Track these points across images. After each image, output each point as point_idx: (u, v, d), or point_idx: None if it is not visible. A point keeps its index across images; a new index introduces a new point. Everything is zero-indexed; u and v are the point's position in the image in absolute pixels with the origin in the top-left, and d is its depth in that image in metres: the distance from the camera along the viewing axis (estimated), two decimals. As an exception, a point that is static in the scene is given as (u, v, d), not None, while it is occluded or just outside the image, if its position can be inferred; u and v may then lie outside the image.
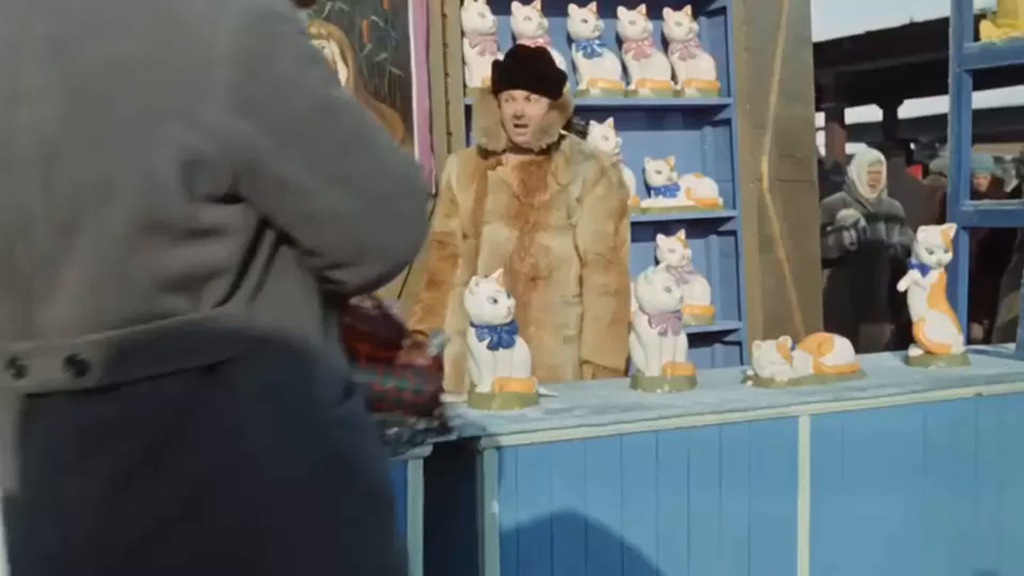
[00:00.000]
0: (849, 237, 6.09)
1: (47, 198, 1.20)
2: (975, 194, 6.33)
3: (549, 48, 4.10)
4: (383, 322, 1.48)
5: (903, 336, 4.30)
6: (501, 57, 3.63)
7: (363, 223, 1.27)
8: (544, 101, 3.32)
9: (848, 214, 6.15)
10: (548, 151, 3.36)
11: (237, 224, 1.22)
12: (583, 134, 3.47)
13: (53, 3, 1.23)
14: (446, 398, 1.64)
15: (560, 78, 3.41)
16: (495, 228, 3.36)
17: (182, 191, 1.19)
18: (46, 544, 1.26)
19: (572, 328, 3.38)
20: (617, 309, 3.36)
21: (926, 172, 8.73)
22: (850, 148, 17.02)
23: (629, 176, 4.34)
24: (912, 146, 12.43)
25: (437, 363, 1.61)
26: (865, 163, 6.35)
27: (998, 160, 8.16)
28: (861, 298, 6.11)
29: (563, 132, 3.40)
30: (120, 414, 1.22)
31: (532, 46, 3.80)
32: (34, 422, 1.25)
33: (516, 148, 3.36)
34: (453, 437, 2.25)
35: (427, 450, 2.57)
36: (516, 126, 3.32)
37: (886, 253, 6.14)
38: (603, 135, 4.32)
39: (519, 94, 3.32)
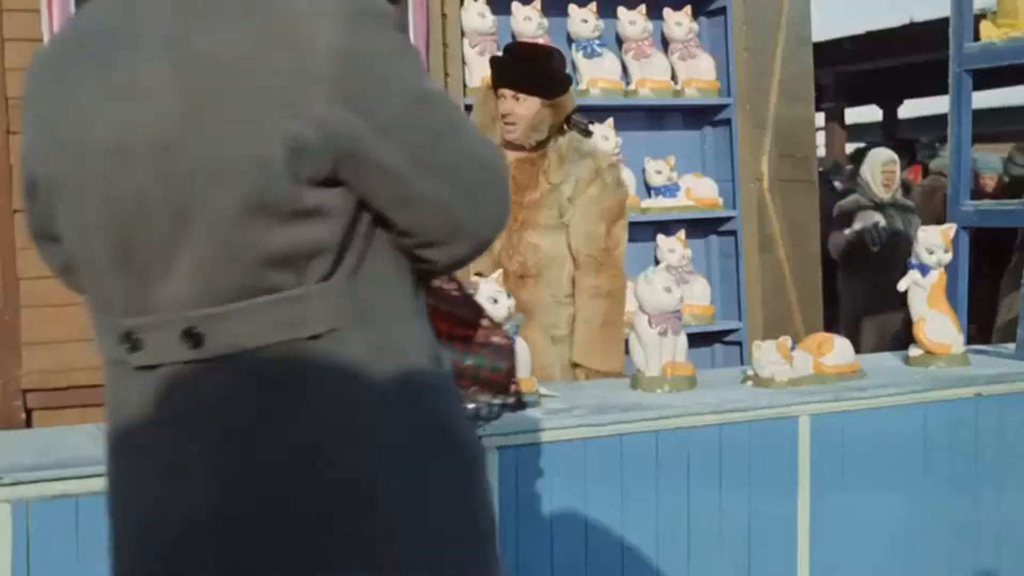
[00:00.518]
0: (871, 239, 6.08)
1: (163, 185, 1.28)
2: (982, 194, 6.34)
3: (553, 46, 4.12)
4: (463, 303, 1.55)
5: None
6: (500, 54, 3.62)
7: (454, 206, 1.37)
8: (534, 100, 3.30)
9: (867, 215, 6.13)
10: (542, 149, 3.35)
11: (338, 206, 1.31)
12: (587, 132, 3.44)
13: (167, 2, 1.31)
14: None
15: (555, 78, 3.37)
16: None
17: (288, 176, 1.27)
18: (161, 510, 1.33)
19: (563, 328, 3.36)
20: (608, 311, 3.35)
21: (926, 172, 8.72)
22: (850, 148, 17.02)
23: (629, 176, 4.34)
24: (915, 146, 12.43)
25: (511, 343, 1.70)
26: (879, 163, 6.32)
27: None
28: (883, 296, 6.10)
29: (566, 128, 3.38)
30: (233, 383, 1.30)
31: (533, 44, 3.78)
32: (147, 392, 1.33)
33: (510, 145, 3.34)
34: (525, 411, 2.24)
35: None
36: (505, 124, 3.32)
37: (906, 250, 6.14)
38: (603, 135, 4.32)
39: (508, 92, 3.31)
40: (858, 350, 3.65)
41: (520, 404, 1.74)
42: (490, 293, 2.78)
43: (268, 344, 1.29)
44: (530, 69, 3.36)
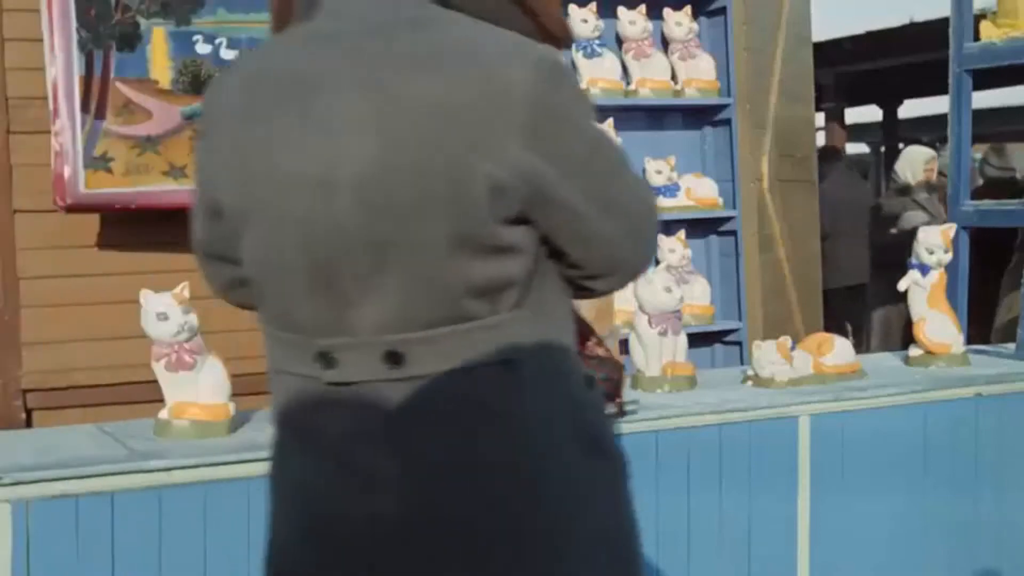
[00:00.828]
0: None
1: (363, 217, 1.37)
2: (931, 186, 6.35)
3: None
4: (576, 319, 1.62)
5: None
6: None
7: (621, 242, 1.50)
8: None
9: (914, 216, 6.10)
10: None
11: (526, 242, 1.42)
12: None
13: (365, 47, 1.41)
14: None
15: None
16: None
17: (489, 214, 1.38)
18: (350, 522, 1.42)
19: None
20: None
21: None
22: (850, 148, 17.01)
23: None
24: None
25: (613, 355, 1.80)
26: (921, 161, 6.28)
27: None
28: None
29: None
30: (428, 402, 1.40)
31: None
32: (339, 406, 1.42)
33: None
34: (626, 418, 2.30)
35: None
36: None
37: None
38: (603, 135, 4.32)
39: None
40: (894, 347, 3.65)
41: (623, 412, 1.83)
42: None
43: (461, 367, 1.40)
44: None
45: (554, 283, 1.49)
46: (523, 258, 1.42)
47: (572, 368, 1.51)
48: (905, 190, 6.31)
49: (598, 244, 1.47)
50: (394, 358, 1.39)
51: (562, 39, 1.57)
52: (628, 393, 2.77)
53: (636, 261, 1.55)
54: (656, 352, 2.94)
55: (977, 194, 7.10)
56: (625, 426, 2.73)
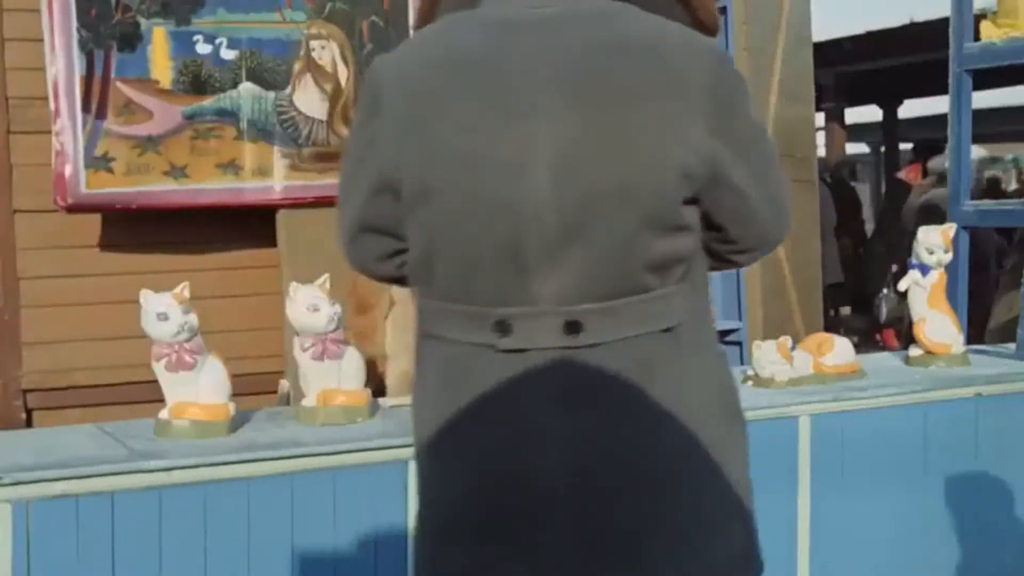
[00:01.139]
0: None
1: (558, 199, 1.47)
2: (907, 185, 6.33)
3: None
4: None
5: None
6: None
7: (772, 221, 1.65)
8: None
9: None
10: None
11: (695, 221, 1.55)
12: None
13: (555, 35, 1.51)
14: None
15: None
16: None
17: (677, 197, 1.50)
18: (524, 479, 1.51)
19: None
20: None
21: (925, 172, 8.72)
22: (850, 148, 17.01)
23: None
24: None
25: None
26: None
27: (997, 160, 8.15)
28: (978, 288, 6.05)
29: None
30: (604, 365, 1.51)
31: None
32: (514, 371, 1.51)
33: None
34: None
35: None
36: None
37: (991, 248, 6.14)
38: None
39: None
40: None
41: None
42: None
43: (634, 335, 1.52)
44: None
45: (703, 258, 1.62)
46: (693, 235, 1.56)
47: (714, 336, 1.68)
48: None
49: (755, 222, 1.61)
50: (573, 327, 1.49)
51: (713, 29, 1.68)
52: None
53: (779, 239, 1.72)
54: None
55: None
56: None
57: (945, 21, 4.15)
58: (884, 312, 8.24)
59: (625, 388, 1.52)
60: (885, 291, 8.19)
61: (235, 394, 2.60)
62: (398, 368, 3.29)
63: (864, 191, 14.66)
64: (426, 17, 1.68)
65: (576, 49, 1.50)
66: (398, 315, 3.34)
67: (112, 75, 3.59)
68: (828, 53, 10.88)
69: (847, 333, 5.44)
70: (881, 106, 15.36)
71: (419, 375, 1.63)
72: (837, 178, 9.85)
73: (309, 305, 2.61)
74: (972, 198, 4.02)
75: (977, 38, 3.96)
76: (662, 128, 1.48)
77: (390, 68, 1.59)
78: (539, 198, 1.47)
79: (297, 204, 3.82)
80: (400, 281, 1.70)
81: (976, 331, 5.54)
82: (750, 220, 1.61)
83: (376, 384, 2.92)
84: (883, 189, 14.16)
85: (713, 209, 1.57)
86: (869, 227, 10.75)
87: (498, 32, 1.52)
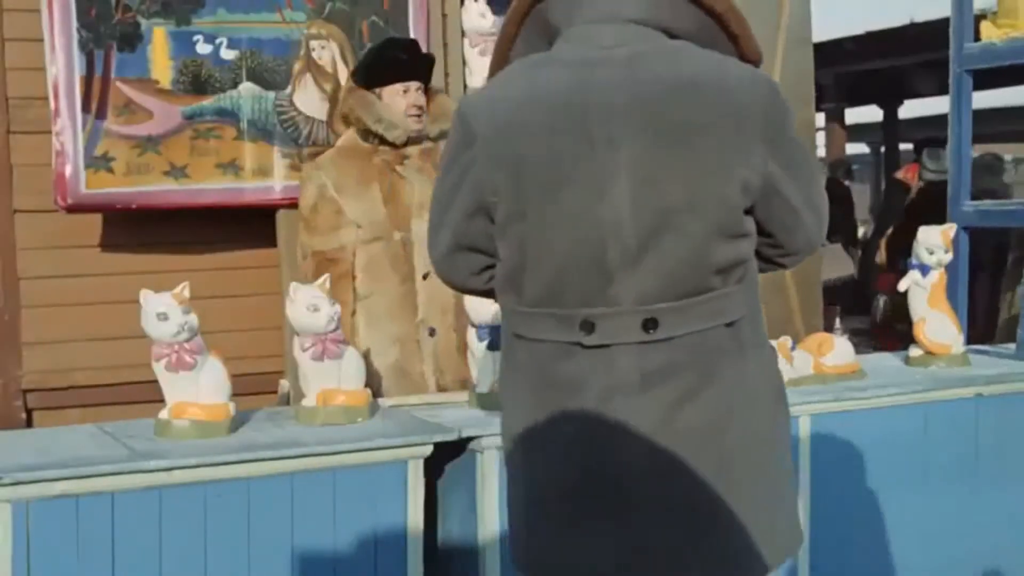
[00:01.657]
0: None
1: (636, 215, 1.71)
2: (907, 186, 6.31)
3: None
4: None
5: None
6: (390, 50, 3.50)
7: (813, 229, 1.86)
8: (425, 91, 3.40)
9: None
10: (440, 138, 3.34)
11: (753, 228, 1.79)
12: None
13: (630, 74, 1.73)
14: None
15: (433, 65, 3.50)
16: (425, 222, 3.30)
17: (740, 209, 1.75)
18: (608, 458, 1.74)
19: None
20: None
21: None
22: (850, 149, 16.99)
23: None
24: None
25: None
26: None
27: (997, 159, 8.14)
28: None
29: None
30: (677, 357, 1.74)
31: (409, 38, 3.77)
32: (598, 364, 1.75)
33: (415, 139, 3.35)
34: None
35: (427, 450, 2.57)
36: (415, 117, 3.33)
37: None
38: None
39: (415, 85, 3.35)
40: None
41: None
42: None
43: (699, 329, 1.74)
44: (430, 62, 3.45)
45: (754, 261, 1.83)
46: (751, 241, 1.79)
47: (766, 331, 1.88)
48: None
49: (801, 229, 1.83)
50: (650, 324, 1.73)
51: (757, 61, 1.86)
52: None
53: (819, 243, 1.94)
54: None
55: (918, 194, 7.14)
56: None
57: (945, 21, 4.15)
58: (880, 312, 8.25)
59: (695, 376, 1.75)
60: (882, 298, 8.21)
61: (235, 394, 2.60)
62: (386, 362, 3.27)
63: (863, 191, 14.64)
64: (501, 62, 1.90)
65: (648, 85, 1.72)
66: (369, 307, 3.30)
67: (112, 75, 3.59)
68: (828, 53, 10.86)
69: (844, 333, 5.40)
70: (881, 106, 15.35)
71: (509, 371, 1.86)
72: (831, 177, 9.86)
73: (309, 305, 2.61)
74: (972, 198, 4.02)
75: (977, 38, 3.96)
76: (724, 151, 1.72)
77: (480, 105, 1.81)
78: (620, 215, 1.71)
79: (297, 204, 3.82)
80: (487, 293, 1.91)
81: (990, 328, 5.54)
82: (796, 228, 1.82)
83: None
84: (882, 188, 14.15)
85: (765, 218, 1.79)
86: (869, 227, 10.74)
87: (578, 71, 1.74)
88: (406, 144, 3.34)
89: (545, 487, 1.80)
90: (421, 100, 3.35)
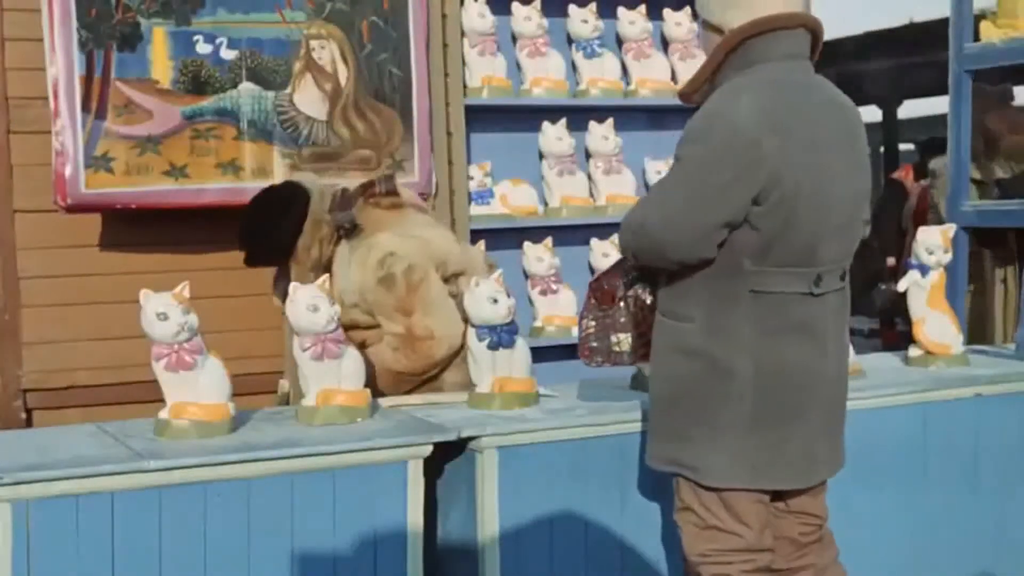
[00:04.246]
0: None
1: (845, 199, 2.42)
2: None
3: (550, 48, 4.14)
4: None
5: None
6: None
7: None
8: None
9: None
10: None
11: None
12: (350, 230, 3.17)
13: (819, 97, 2.41)
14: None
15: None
16: None
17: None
18: (825, 372, 2.45)
19: None
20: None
21: (918, 174, 8.68)
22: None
23: (629, 176, 4.35)
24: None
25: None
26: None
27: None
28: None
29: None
30: (845, 298, 2.50)
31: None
32: (822, 306, 2.42)
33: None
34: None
35: (427, 450, 2.57)
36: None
37: None
38: (603, 135, 4.32)
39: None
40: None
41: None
42: (490, 293, 2.79)
43: (847, 281, 2.52)
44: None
45: None
46: None
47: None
48: None
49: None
50: (844, 276, 2.48)
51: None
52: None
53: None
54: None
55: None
56: (625, 426, 2.74)
57: (945, 21, 4.16)
58: (878, 305, 8.28)
59: (847, 311, 2.53)
60: (883, 287, 8.21)
61: (235, 394, 2.60)
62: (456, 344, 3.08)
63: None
64: (706, 79, 2.47)
65: (827, 102, 2.42)
66: (431, 288, 3.09)
67: (112, 75, 3.59)
68: (828, 53, 10.88)
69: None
70: (881, 106, 15.36)
71: (742, 318, 2.36)
72: None
73: (309, 305, 2.62)
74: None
75: (977, 38, 3.96)
76: (867, 159, 2.51)
77: (745, 113, 2.29)
78: (840, 220, 2.40)
79: (297, 204, 3.81)
80: (706, 256, 2.35)
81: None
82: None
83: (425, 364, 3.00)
84: (882, 189, 14.15)
85: None
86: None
87: (795, 90, 2.37)
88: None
89: (781, 395, 2.38)
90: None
